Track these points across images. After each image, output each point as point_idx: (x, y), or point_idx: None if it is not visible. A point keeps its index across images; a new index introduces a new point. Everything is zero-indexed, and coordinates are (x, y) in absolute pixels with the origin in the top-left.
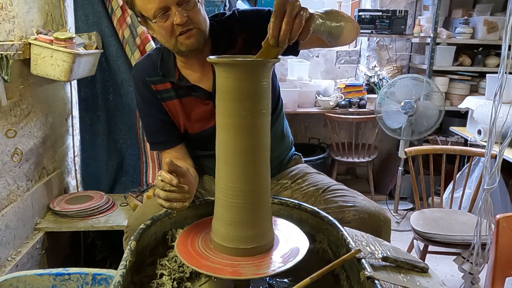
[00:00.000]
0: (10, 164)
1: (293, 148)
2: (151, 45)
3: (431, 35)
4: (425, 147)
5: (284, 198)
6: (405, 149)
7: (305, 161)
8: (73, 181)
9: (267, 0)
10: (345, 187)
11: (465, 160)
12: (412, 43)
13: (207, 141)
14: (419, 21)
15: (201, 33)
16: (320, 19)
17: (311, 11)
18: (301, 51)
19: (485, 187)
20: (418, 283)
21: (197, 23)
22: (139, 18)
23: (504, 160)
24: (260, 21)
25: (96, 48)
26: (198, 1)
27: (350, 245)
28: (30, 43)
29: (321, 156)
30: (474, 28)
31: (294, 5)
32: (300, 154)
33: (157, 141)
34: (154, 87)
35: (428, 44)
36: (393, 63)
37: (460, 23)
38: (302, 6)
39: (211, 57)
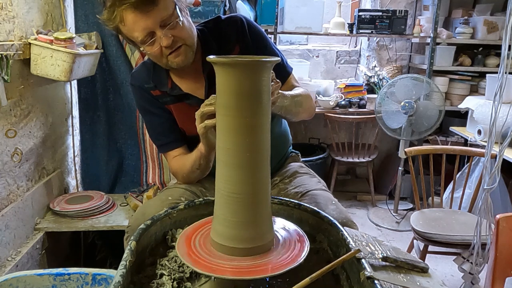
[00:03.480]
0: (10, 164)
1: (291, 147)
2: None
3: (431, 35)
4: (425, 147)
5: (284, 198)
6: (405, 149)
7: (305, 161)
8: (73, 181)
9: (267, 1)
10: (324, 193)
11: (465, 160)
12: (412, 43)
13: None
14: (419, 21)
15: (189, 48)
16: (287, 101)
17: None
18: (301, 53)
19: (485, 187)
20: (418, 283)
21: (183, 39)
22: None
23: (504, 160)
24: (262, 43)
25: (96, 48)
26: (180, 16)
27: (350, 245)
28: (30, 43)
29: (321, 156)
30: (474, 28)
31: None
32: (297, 152)
33: (166, 141)
34: (153, 92)
35: (428, 44)
36: (393, 63)
37: (460, 23)
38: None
39: (211, 57)
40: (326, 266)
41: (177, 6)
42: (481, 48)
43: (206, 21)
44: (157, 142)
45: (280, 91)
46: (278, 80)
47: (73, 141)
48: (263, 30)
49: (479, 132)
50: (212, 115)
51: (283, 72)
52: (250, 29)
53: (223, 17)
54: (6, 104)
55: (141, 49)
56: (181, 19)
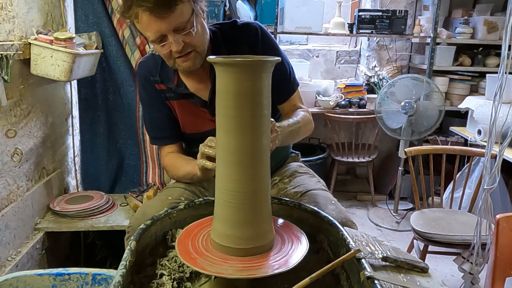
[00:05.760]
0: (10, 164)
1: (291, 147)
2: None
3: (431, 35)
4: (425, 147)
5: (284, 198)
6: (405, 149)
7: (305, 161)
8: (73, 181)
9: (267, 1)
10: (324, 193)
11: (465, 160)
12: (412, 43)
13: (201, 141)
14: (419, 21)
15: (199, 55)
16: (283, 133)
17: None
18: (301, 53)
19: (485, 187)
20: (418, 283)
21: (194, 46)
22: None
23: (504, 160)
24: (274, 55)
25: (96, 48)
26: (195, 26)
27: (350, 245)
28: (30, 43)
29: (321, 156)
30: (474, 28)
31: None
32: (297, 152)
33: (161, 135)
34: (157, 86)
35: (428, 44)
36: (393, 63)
37: (460, 23)
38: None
39: (212, 57)
40: (326, 266)
41: (193, 14)
42: (481, 48)
43: (221, 23)
44: (152, 134)
45: (277, 123)
46: (278, 130)
47: (73, 141)
48: (277, 42)
49: (479, 132)
50: (212, 158)
51: (289, 87)
52: (264, 39)
53: (239, 22)
54: (6, 104)
55: (151, 46)
56: (195, 29)
